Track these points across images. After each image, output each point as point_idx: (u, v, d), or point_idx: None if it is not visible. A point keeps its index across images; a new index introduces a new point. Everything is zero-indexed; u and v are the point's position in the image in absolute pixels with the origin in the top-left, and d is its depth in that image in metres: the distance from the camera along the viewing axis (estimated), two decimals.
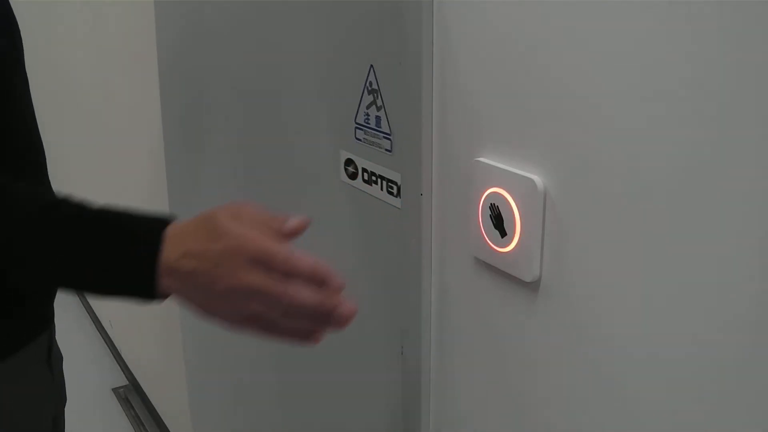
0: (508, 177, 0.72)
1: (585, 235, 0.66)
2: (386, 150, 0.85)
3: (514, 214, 0.72)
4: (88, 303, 3.13)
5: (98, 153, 2.57)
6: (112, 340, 2.88)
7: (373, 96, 0.85)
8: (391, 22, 0.82)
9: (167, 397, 2.26)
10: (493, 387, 0.82)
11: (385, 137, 0.85)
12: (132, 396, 2.63)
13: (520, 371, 0.77)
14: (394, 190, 0.86)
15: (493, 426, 0.83)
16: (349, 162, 0.92)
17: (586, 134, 0.64)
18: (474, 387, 0.85)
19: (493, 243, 0.76)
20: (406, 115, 0.82)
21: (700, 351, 0.59)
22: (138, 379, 2.61)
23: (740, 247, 0.54)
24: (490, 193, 0.75)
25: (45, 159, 0.96)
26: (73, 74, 2.69)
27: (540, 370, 0.74)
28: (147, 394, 2.52)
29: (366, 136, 0.88)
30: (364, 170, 0.90)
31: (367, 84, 0.85)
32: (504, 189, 0.73)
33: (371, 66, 0.84)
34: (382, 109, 0.84)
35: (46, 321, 0.97)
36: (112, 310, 2.84)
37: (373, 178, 0.89)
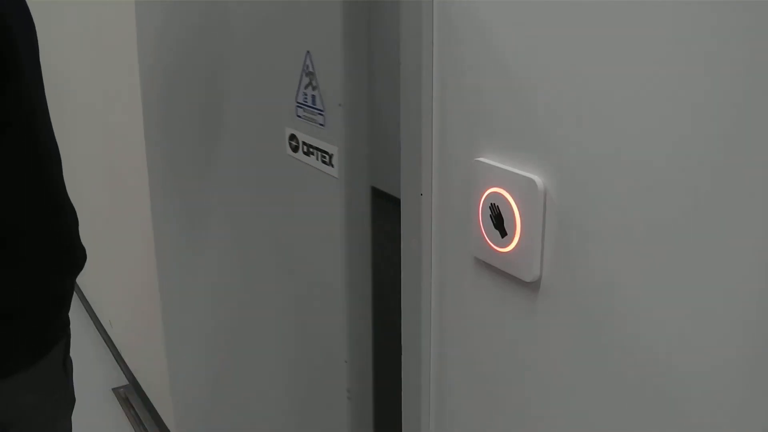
0: (508, 177, 0.72)
1: (585, 235, 0.66)
2: (320, 125, 0.98)
3: (514, 214, 0.72)
4: (88, 303, 3.14)
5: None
6: (112, 340, 2.88)
7: (310, 78, 0.98)
8: (323, 13, 0.96)
9: (167, 396, 2.26)
10: (493, 387, 0.82)
11: (319, 113, 0.98)
12: (132, 396, 2.63)
13: (520, 371, 0.77)
14: (327, 160, 0.98)
15: (493, 426, 0.83)
16: (292, 137, 1.05)
17: (587, 134, 0.64)
18: (474, 387, 0.85)
19: (493, 243, 0.76)
20: (338, 93, 0.94)
21: (701, 350, 0.59)
22: (138, 379, 2.61)
23: (743, 247, 0.54)
24: (490, 193, 0.75)
25: (59, 157, 0.97)
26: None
27: (540, 371, 0.74)
28: (147, 394, 2.52)
29: (305, 113, 1.01)
30: (304, 143, 1.03)
31: (305, 67, 0.99)
32: (504, 189, 0.73)
33: (308, 52, 0.98)
34: (317, 89, 0.97)
35: (63, 328, 0.98)
36: (112, 310, 2.84)
37: (311, 150, 1.01)
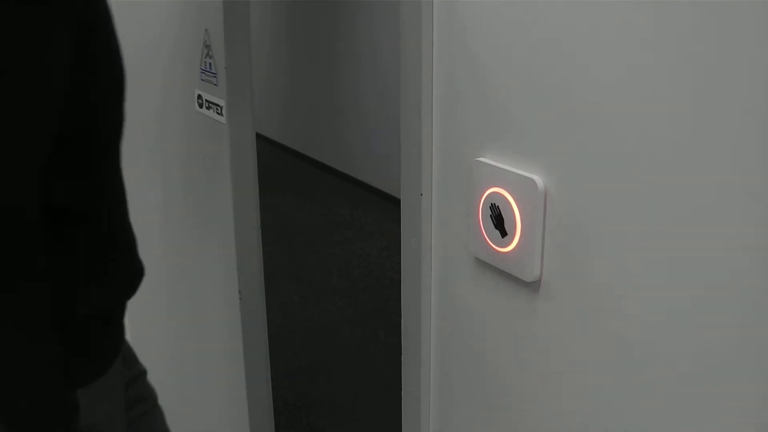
0: (509, 177, 0.72)
1: (585, 235, 0.66)
2: (214, 84, 1.33)
3: (514, 214, 0.72)
4: None
5: None
6: None
7: (208, 49, 1.33)
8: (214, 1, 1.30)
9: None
10: (492, 386, 0.82)
11: (213, 76, 1.33)
12: None
13: (520, 370, 0.77)
14: (220, 111, 1.32)
15: (493, 425, 0.83)
16: (199, 97, 1.40)
17: (587, 134, 0.64)
18: (474, 386, 0.85)
19: (493, 243, 0.75)
20: (223, 59, 1.28)
21: (701, 350, 0.59)
22: None
23: (742, 244, 0.54)
24: (491, 193, 0.75)
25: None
26: None
27: (540, 370, 0.74)
28: None
29: (206, 77, 1.35)
30: (206, 100, 1.37)
31: (205, 41, 1.33)
32: (504, 189, 0.73)
33: (206, 30, 1.32)
34: (212, 58, 1.32)
35: (123, 333, 1.02)
36: None
37: (210, 104, 1.36)
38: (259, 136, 1.70)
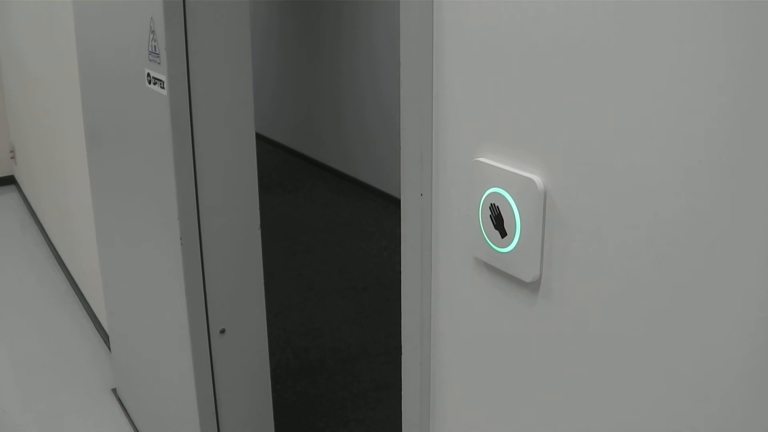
0: (509, 177, 0.72)
1: (585, 235, 0.66)
2: (158, 63, 1.59)
3: (514, 215, 0.72)
4: (87, 303, 3.14)
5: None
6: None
7: (153, 34, 1.60)
8: None
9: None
10: (493, 387, 0.82)
11: (157, 56, 1.59)
12: None
13: (519, 371, 0.77)
14: (162, 85, 1.59)
15: (493, 425, 0.83)
16: (147, 74, 1.66)
17: (587, 134, 0.64)
18: (474, 386, 0.85)
19: (493, 243, 0.76)
20: (163, 41, 1.55)
21: (701, 351, 0.59)
22: None
23: (744, 247, 0.54)
24: (491, 193, 0.75)
25: None
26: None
27: (539, 370, 0.74)
28: None
29: (152, 57, 1.62)
30: (153, 77, 1.64)
31: (150, 27, 1.60)
32: (504, 189, 0.73)
33: (151, 18, 1.59)
34: (156, 41, 1.58)
35: None
36: None
37: (155, 80, 1.63)
38: (258, 136, 1.73)
